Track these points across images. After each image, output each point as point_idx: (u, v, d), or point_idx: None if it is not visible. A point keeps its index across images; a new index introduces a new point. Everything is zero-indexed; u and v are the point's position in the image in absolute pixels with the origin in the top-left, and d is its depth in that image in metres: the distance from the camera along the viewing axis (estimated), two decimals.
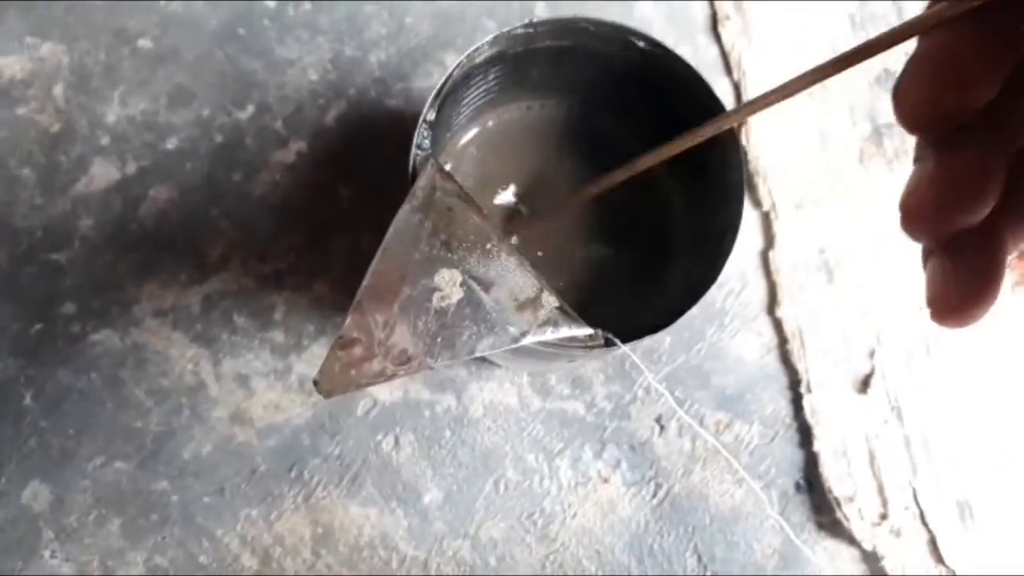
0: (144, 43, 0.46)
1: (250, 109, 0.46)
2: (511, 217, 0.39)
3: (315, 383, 0.29)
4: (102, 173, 0.45)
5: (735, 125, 0.32)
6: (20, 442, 0.43)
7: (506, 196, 0.40)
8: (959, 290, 0.21)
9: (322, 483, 0.43)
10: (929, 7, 0.20)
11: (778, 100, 0.26)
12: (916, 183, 0.21)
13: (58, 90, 0.46)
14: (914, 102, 0.20)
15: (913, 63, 0.20)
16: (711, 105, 0.34)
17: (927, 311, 0.22)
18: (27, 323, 0.43)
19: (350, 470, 0.44)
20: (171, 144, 0.45)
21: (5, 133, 0.45)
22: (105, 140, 0.45)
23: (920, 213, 0.21)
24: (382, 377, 0.29)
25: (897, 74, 0.20)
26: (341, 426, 0.44)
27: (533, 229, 0.39)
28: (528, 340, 0.30)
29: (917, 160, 0.22)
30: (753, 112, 0.28)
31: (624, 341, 0.32)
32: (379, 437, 0.44)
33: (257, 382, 0.44)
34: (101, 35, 0.46)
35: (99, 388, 0.43)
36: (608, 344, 0.31)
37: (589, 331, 0.31)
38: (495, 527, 0.44)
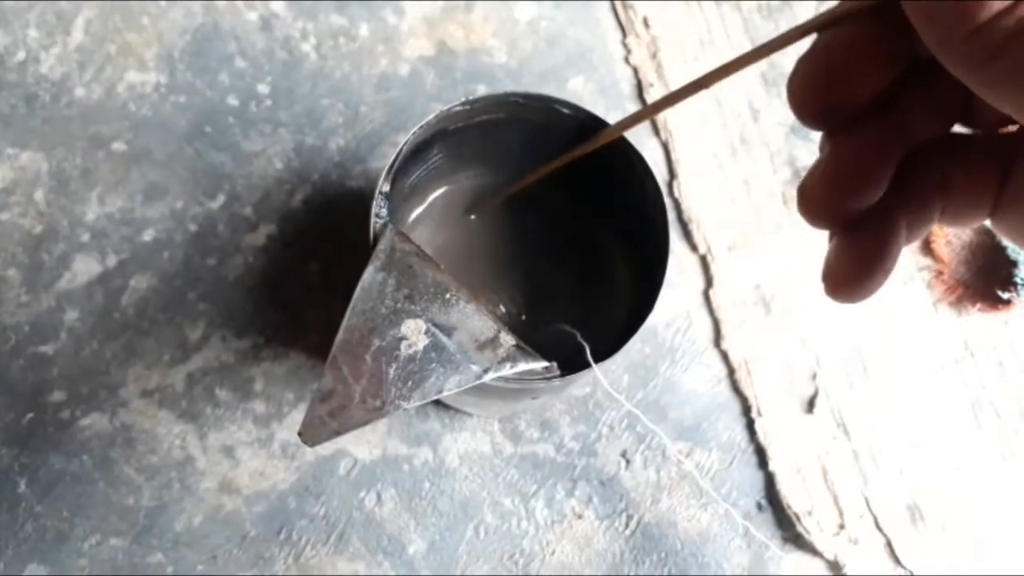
0: (118, 146, 0.50)
1: (221, 198, 0.50)
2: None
3: (300, 435, 0.32)
4: (84, 268, 0.48)
5: (622, 132, 0.36)
6: (16, 528, 0.44)
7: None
8: (851, 268, 0.23)
9: (310, 543, 0.45)
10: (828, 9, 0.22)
11: (658, 111, 0.29)
12: (812, 169, 0.23)
13: (39, 194, 0.49)
14: (802, 94, 0.22)
15: (803, 58, 0.22)
16: (629, 153, 0.38)
17: (823, 285, 0.23)
18: (18, 413, 0.46)
19: (336, 528, 0.46)
20: (148, 236, 0.49)
21: None
22: (85, 237, 0.48)
23: (812, 197, 0.23)
24: (360, 423, 0.32)
25: None
26: (325, 487, 0.46)
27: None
28: (490, 376, 0.33)
29: (820, 149, 0.24)
30: (636, 121, 0.32)
31: (576, 370, 0.35)
32: (362, 494, 0.46)
33: (242, 452, 0.46)
34: (77, 141, 0.50)
35: (91, 469, 0.45)
36: (563, 372, 0.35)
37: (545, 363, 0.34)
38: (479, 570, 0.46)
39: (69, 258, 0.48)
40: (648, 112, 0.30)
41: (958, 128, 0.24)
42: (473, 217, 0.44)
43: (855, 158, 0.22)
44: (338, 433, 0.32)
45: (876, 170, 0.22)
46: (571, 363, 0.36)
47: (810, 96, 0.22)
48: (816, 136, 0.52)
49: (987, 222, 0.23)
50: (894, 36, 0.20)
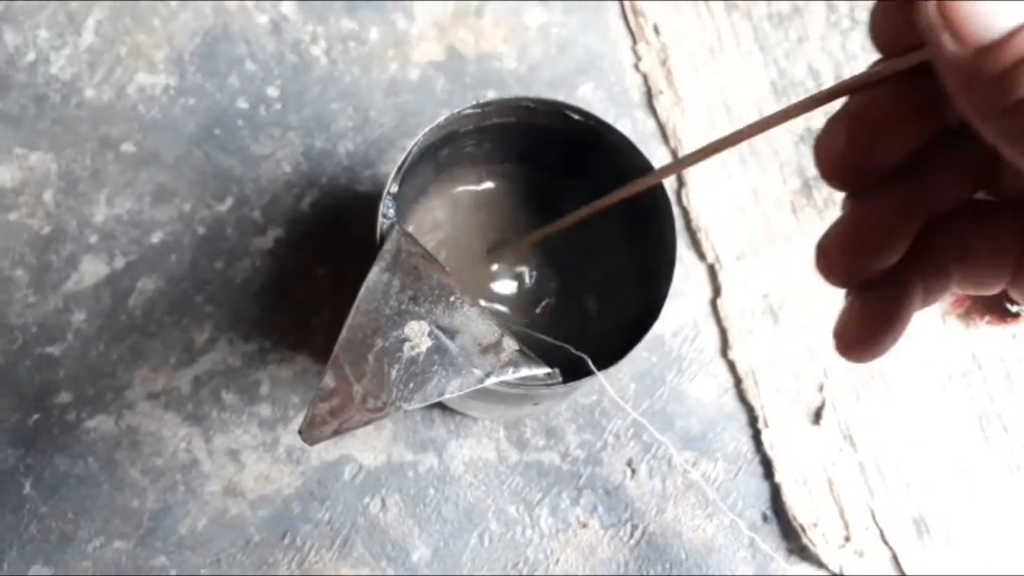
0: (127, 148, 0.50)
1: (229, 201, 0.50)
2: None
3: (300, 433, 0.32)
4: (92, 269, 0.48)
5: (661, 180, 0.36)
6: (21, 529, 0.44)
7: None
8: (863, 329, 0.23)
9: (314, 548, 0.45)
10: (860, 74, 0.21)
11: (699, 160, 0.29)
12: (832, 228, 0.23)
13: (48, 195, 0.49)
14: (828, 156, 0.22)
15: (831, 120, 0.22)
16: (638, 162, 0.38)
17: (834, 343, 0.23)
18: (24, 414, 0.46)
19: (340, 534, 0.46)
20: (156, 238, 0.49)
21: None
22: (94, 239, 0.48)
23: (829, 256, 0.23)
24: (361, 423, 0.32)
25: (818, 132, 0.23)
26: (329, 492, 0.46)
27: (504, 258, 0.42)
28: (492, 380, 0.33)
29: (842, 208, 0.23)
30: (675, 170, 0.31)
31: (578, 376, 0.35)
32: (366, 500, 0.46)
33: (247, 455, 0.46)
34: (86, 143, 0.50)
35: (96, 472, 0.45)
36: (565, 379, 0.35)
37: (547, 370, 0.34)
38: None
39: (77, 259, 0.48)
40: (690, 160, 0.29)
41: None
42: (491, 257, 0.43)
43: (876, 221, 0.22)
44: (339, 432, 0.32)
45: (896, 234, 0.22)
46: (576, 369, 0.36)
47: (838, 158, 0.22)
48: None
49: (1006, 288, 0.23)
50: (925, 102, 0.20)
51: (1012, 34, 0.17)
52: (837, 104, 0.22)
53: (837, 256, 0.23)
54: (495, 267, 0.42)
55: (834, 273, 0.23)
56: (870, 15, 0.21)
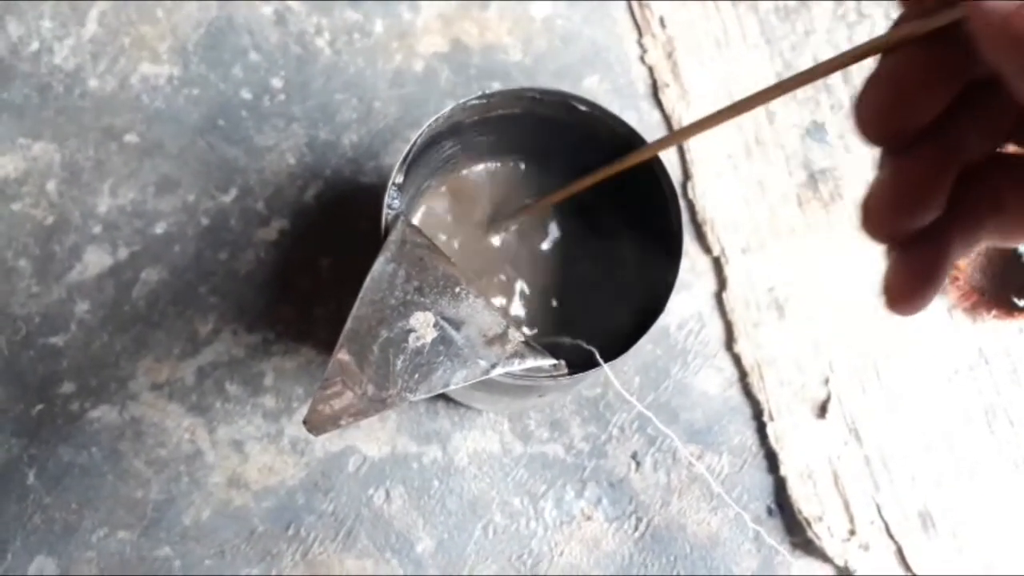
0: (131, 138, 0.50)
1: (233, 192, 0.49)
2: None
3: (304, 423, 0.31)
4: (95, 260, 0.48)
5: (657, 153, 0.35)
6: (25, 519, 0.44)
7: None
8: (907, 283, 0.23)
9: (319, 539, 0.45)
10: (887, 32, 0.22)
11: (697, 132, 0.29)
12: (873, 188, 0.24)
13: (51, 185, 0.49)
14: (870, 116, 0.22)
15: (868, 83, 0.22)
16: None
17: (882, 299, 0.24)
18: (28, 404, 0.45)
19: (344, 525, 0.46)
20: (160, 229, 0.48)
21: (1, 228, 0.48)
22: (97, 229, 0.48)
23: (875, 216, 0.23)
24: (365, 413, 0.32)
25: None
26: (333, 483, 0.46)
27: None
28: (497, 372, 0.33)
29: (879, 168, 0.24)
30: (673, 142, 0.31)
31: (583, 369, 0.35)
32: (370, 491, 0.46)
33: (251, 446, 0.46)
34: (90, 133, 0.50)
35: (99, 462, 0.45)
36: (573, 371, 0.34)
37: (553, 361, 0.34)
38: (487, 570, 0.46)
39: (80, 250, 0.48)
40: (692, 130, 0.29)
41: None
42: (491, 233, 0.43)
43: (915, 177, 0.23)
44: (343, 423, 0.32)
45: (936, 189, 0.23)
46: (581, 361, 0.35)
47: (878, 119, 0.22)
48: (833, 140, 0.52)
49: None
50: (957, 58, 0.21)
51: None
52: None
53: (881, 214, 0.23)
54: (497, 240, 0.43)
55: (880, 231, 0.23)
56: None
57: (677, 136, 0.30)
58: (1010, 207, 0.23)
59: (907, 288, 0.24)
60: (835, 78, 0.53)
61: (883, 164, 0.24)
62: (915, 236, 0.23)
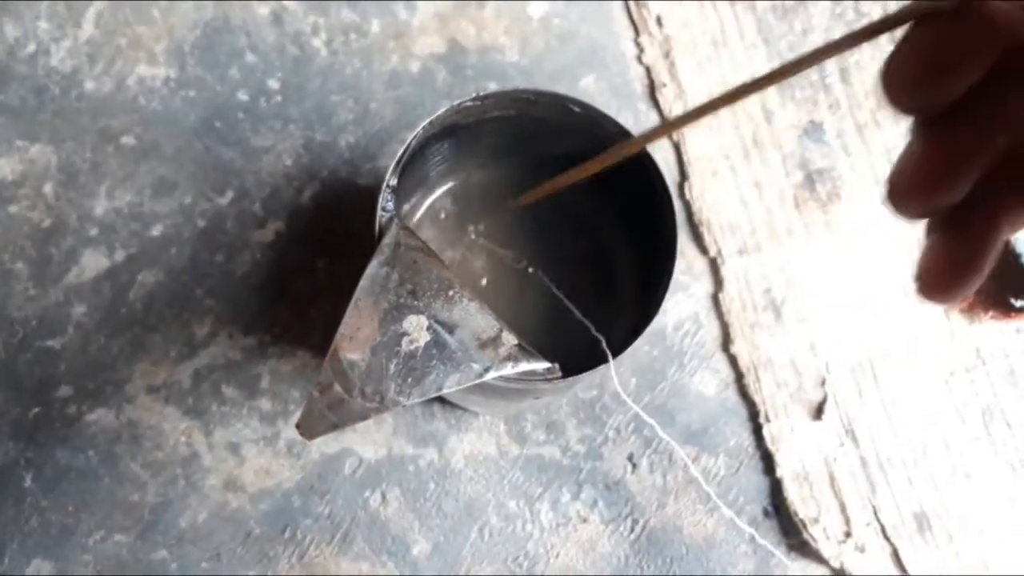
0: (127, 140, 0.50)
1: (229, 195, 0.49)
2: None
3: (297, 427, 0.31)
4: (92, 263, 0.48)
5: (645, 146, 0.35)
6: (22, 522, 0.44)
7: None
8: (949, 268, 0.22)
9: (315, 542, 0.45)
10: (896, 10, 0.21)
11: (687, 123, 0.29)
12: (903, 160, 0.22)
13: (48, 188, 0.49)
14: (898, 83, 0.21)
15: (898, 51, 0.21)
16: (639, 153, 0.38)
17: (915, 286, 0.22)
18: (25, 407, 0.46)
19: (340, 528, 0.46)
20: (156, 231, 0.48)
21: None
22: (94, 231, 0.48)
23: (904, 188, 0.22)
24: (359, 418, 0.32)
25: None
26: (330, 486, 0.46)
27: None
28: (491, 375, 0.33)
29: (910, 138, 0.22)
30: (662, 134, 0.30)
31: (579, 371, 0.35)
32: (366, 494, 0.46)
33: (247, 449, 0.46)
34: (87, 135, 0.50)
35: (96, 465, 0.45)
36: (562, 376, 0.34)
37: (547, 364, 0.34)
38: (482, 572, 0.46)
39: (77, 252, 0.48)
40: (682, 120, 0.29)
41: None
42: (479, 227, 0.43)
43: (950, 149, 0.21)
44: (336, 427, 0.32)
45: (970, 162, 0.21)
46: (576, 364, 0.35)
47: (911, 87, 0.21)
48: (831, 139, 0.51)
49: None
50: (983, 29, 0.20)
51: None
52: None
53: (913, 188, 0.22)
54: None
55: (909, 206, 0.22)
56: None
57: (673, 124, 0.30)
58: None
59: (949, 273, 0.22)
60: (833, 78, 0.52)
61: (915, 134, 0.22)
62: (956, 217, 0.22)
